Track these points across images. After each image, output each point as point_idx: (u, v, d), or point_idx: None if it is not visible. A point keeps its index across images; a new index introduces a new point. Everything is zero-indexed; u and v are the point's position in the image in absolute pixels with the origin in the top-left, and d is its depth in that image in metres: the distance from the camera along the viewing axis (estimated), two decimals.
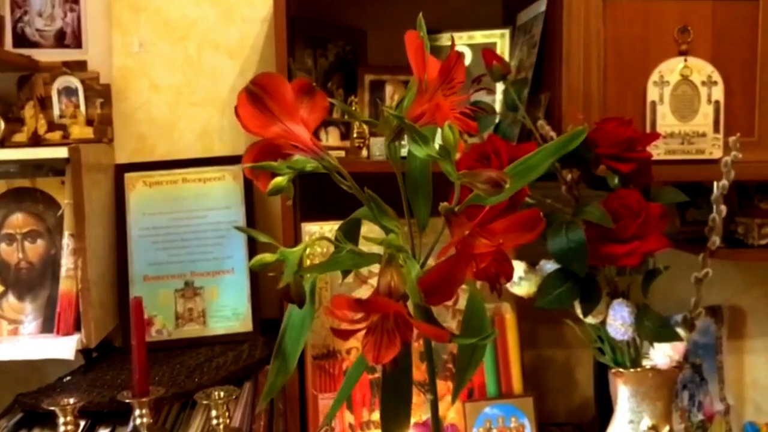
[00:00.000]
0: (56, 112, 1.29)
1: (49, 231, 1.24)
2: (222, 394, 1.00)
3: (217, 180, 1.35)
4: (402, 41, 0.61)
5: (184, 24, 1.41)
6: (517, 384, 1.26)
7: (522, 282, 1.05)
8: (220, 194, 1.35)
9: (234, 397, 1.01)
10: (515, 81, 1.14)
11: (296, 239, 1.16)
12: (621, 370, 1.03)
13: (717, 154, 1.13)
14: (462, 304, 0.65)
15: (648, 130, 1.13)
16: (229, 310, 1.33)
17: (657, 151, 1.11)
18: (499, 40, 1.26)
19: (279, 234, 1.16)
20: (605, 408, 1.33)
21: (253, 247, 1.32)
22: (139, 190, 1.35)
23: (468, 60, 1.25)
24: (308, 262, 1.11)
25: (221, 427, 0.99)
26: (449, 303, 1.15)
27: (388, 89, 1.19)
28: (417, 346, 1.08)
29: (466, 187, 0.58)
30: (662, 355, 1.01)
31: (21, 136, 1.26)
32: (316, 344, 1.20)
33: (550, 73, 1.17)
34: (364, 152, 1.22)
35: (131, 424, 1.00)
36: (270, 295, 1.36)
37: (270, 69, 1.26)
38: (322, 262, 0.63)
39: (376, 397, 1.20)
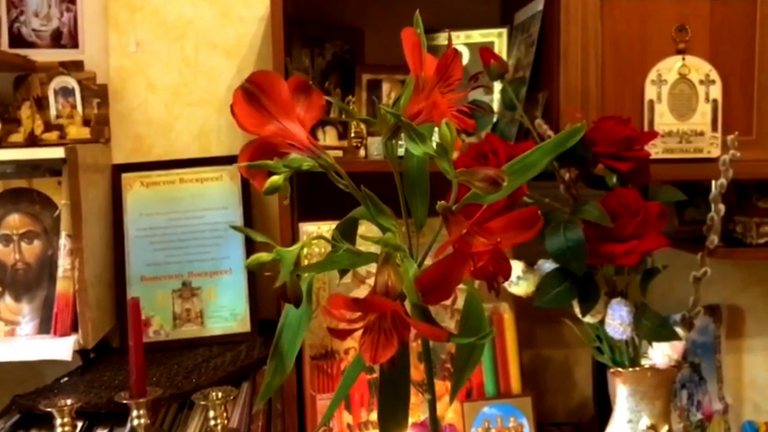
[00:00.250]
0: (53, 112, 1.29)
1: (46, 231, 1.24)
2: (220, 394, 1.00)
3: (214, 180, 1.35)
4: (400, 40, 0.61)
5: (180, 24, 1.41)
6: (515, 384, 1.26)
7: (520, 281, 1.04)
8: (217, 194, 1.35)
9: (232, 397, 1.01)
10: (513, 80, 1.14)
11: (294, 239, 1.16)
12: (620, 369, 1.02)
13: (715, 152, 1.13)
14: (460, 303, 0.64)
15: (646, 128, 1.13)
16: (226, 311, 1.33)
17: (655, 150, 1.11)
18: (497, 39, 1.26)
19: (276, 234, 1.16)
20: (604, 407, 1.32)
21: (251, 247, 1.32)
22: (136, 191, 1.34)
23: (466, 59, 1.24)
24: (306, 262, 1.11)
25: (219, 427, 0.99)
26: (447, 303, 1.15)
27: (385, 87, 1.19)
28: (415, 346, 1.08)
29: (463, 185, 0.57)
30: (661, 354, 1.01)
31: (17, 137, 1.25)
32: (314, 344, 1.20)
33: (547, 72, 1.17)
34: (362, 152, 1.22)
35: (129, 425, 1.00)
36: (268, 296, 1.35)
37: (267, 68, 1.25)
38: (318, 262, 0.63)
39: (375, 397, 1.20)
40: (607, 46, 1.12)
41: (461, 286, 0.61)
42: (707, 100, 1.14)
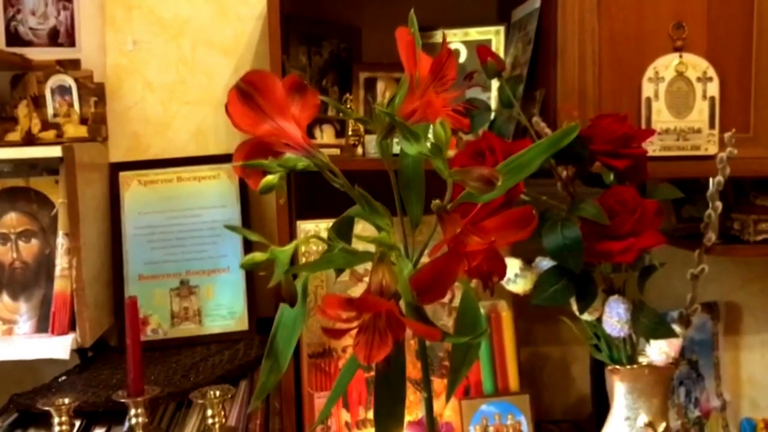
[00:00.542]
0: (50, 111, 1.29)
1: (44, 230, 1.24)
2: (218, 393, 1.00)
3: (212, 178, 1.35)
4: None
5: (177, 22, 1.40)
6: (513, 381, 1.26)
7: (518, 279, 1.04)
8: (215, 193, 1.35)
9: (230, 396, 1.01)
10: (510, 78, 1.14)
11: (291, 237, 1.16)
12: (617, 366, 1.02)
13: (712, 150, 1.13)
14: (458, 301, 0.64)
15: (643, 126, 1.13)
16: (224, 309, 1.33)
17: (652, 147, 1.10)
18: (494, 37, 1.26)
19: (274, 232, 1.16)
20: (602, 405, 1.32)
21: (249, 246, 1.32)
22: (133, 189, 1.34)
23: (463, 57, 1.24)
24: (304, 260, 1.11)
25: (217, 426, 0.99)
26: (445, 300, 1.15)
27: (380, 86, 1.18)
28: (412, 344, 1.08)
29: (458, 184, 0.57)
30: (658, 351, 1.01)
31: (14, 135, 1.25)
32: (311, 343, 1.20)
33: (545, 69, 1.17)
34: (360, 150, 1.22)
35: (127, 424, 1.00)
36: (266, 294, 1.35)
37: (264, 67, 1.25)
38: (313, 261, 0.63)
39: (372, 395, 1.20)
40: (604, 44, 1.12)
41: (458, 284, 0.61)
42: (704, 97, 1.13)
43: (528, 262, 1.05)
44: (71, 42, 1.36)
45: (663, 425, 1.02)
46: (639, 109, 1.13)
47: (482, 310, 0.65)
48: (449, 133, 0.53)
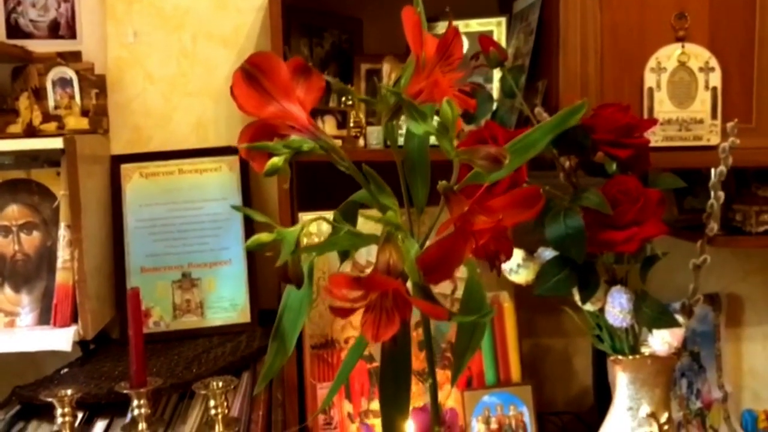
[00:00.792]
0: (51, 103, 1.29)
1: (45, 222, 1.24)
2: (220, 384, 0.99)
3: (213, 171, 1.35)
4: (398, 30, 0.60)
5: (178, 14, 1.40)
6: (515, 372, 1.26)
7: (520, 270, 1.04)
8: (216, 185, 1.35)
9: (232, 387, 1.01)
10: (512, 68, 1.14)
11: None
12: (619, 357, 1.02)
13: (714, 140, 1.13)
14: (460, 293, 0.65)
15: (645, 116, 1.13)
16: (226, 301, 1.33)
17: (655, 137, 1.10)
18: (496, 27, 1.26)
19: (276, 224, 1.16)
20: (604, 396, 1.32)
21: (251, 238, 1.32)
22: (135, 181, 1.34)
23: (465, 48, 1.24)
24: None
25: (220, 417, 0.99)
26: (448, 292, 1.15)
27: (386, 68, 1.18)
28: (416, 335, 1.08)
29: (464, 167, 0.57)
30: (661, 341, 1.01)
31: (16, 128, 1.25)
32: (314, 334, 1.20)
33: (547, 60, 1.17)
34: (361, 141, 1.22)
35: (129, 415, 1.00)
36: (268, 286, 1.35)
37: None
38: (319, 243, 0.63)
39: (375, 386, 1.20)
40: (606, 34, 1.12)
41: (461, 274, 0.61)
42: (707, 87, 1.13)
43: (530, 252, 1.05)
44: (72, 34, 1.36)
45: (665, 416, 1.02)
46: (641, 100, 1.13)
47: None
48: (456, 112, 0.53)
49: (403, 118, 0.58)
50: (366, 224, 0.62)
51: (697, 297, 1.03)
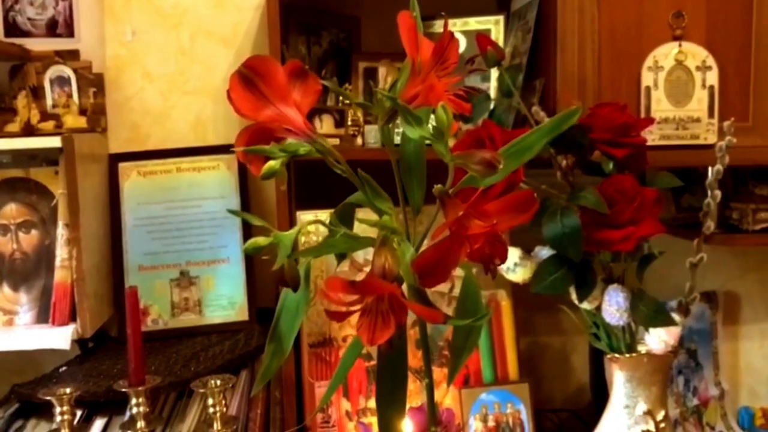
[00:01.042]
0: (49, 101, 1.28)
1: (44, 221, 1.24)
2: (218, 382, 1.00)
3: (211, 169, 1.35)
4: (396, 28, 0.60)
5: (176, 12, 1.40)
6: (513, 370, 1.26)
7: (517, 268, 1.04)
8: (214, 183, 1.35)
9: (230, 385, 1.01)
10: (510, 67, 1.14)
11: (291, 227, 1.15)
12: (616, 355, 1.03)
13: (711, 139, 1.13)
14: (457, 291, 0.65)
15: (642, 115, 1.13)
16: (224, 300, 1.33)
17: (652, 136, 1.11)
18: (494, 26, 1.26)
19: (274, 223, 1.16)
20: (601, 394, 1.33)
21: (249, 236, 1.30)
22: (133, 180, 1.34)
23: (463, 47, 1.24)
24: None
25: (218, 415, 0.99)
26: (445, 290, 1.15)
27: (382, 71, 1.18)
28: (413, 333, 1.08)
29: (460, 170, 0.57)
30: (657, 340, 1.01)
31: (14, 126, 1.25)
32: (312, 332, 1.20)
33: (544, 58, 1.17)
34: (359, 140, 1.22)
35: (128, 414, 1.00)
36: (266, 285, 1.35)
37: None
38: (315, 246, 0.63)
39: (373, 384, 1.20)
40: (603, 33, 1.12)
41: (458, 273, 0.62)
42: (704, 86, 1.14)
43: (527, 251, 1.05)
44: (70, 32, 1.35)
45: (662, 413, 1.02)
46: (638, 98, 1.13)
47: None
48: (451, 116, 0.54)
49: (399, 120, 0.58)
50: (363, 225, 0.62)
51: (693, 295, 1.03)
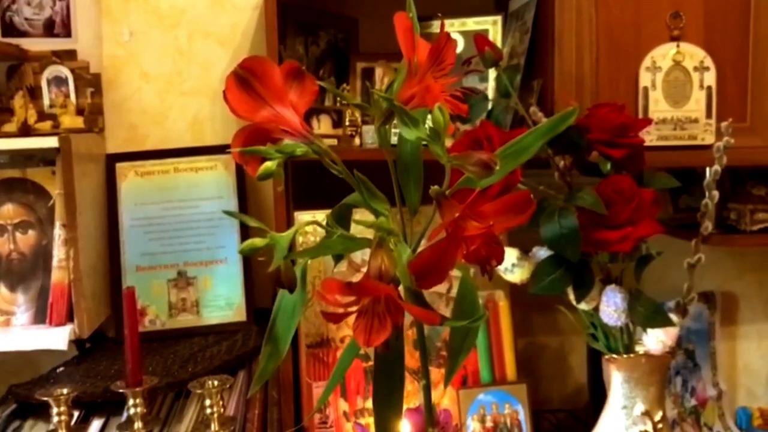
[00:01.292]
0: (46, 101, 1.28)
1: (41, 221, 1.24)
2: (216, 383, 1.00)
3: (209, 169, 1.35)
4: (394, 28, 0.60)
5: (174, 12, 1.40)
6: (510, 371, 1.26)
7: (515, 269, 1.04)
8: (212, 184, 1.35)
9: (228, 386, 1.01)
10: (507, 67, 1.14)
11: (289, 228, 1.15)
12: (614, 356, 1.03)
13: (709, 139, 1.13)
14: (455, 292, 0.65)
15: (640, 115, 1.13)
16: (222, 300, 1.33)
17: (649, 137, 1.11)
18: (491, 26, 1.26)
19: (271, 223, 1.16)
20: (599, 394, 1.33)
21: (246, 237, 1.32)
22: (130, 180, 1.34)
23: (460, 47, 1.24)
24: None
25: (215, 416, 0.99)
26: (443, 291, 1.15)
27: (378, 72, 1.18)
28: (410, 333, 1.08)
29: (456, 171, 0.57)
30: (655, 340, 1.01)
31: (10, 126, 1.25)
32: (309, 333, 1.20)
33: (542, 59, 1.17)
34: (357, 140, 1.22)
35: (125, 414, 1.00)
36: (263, 285, 1.35)
37: None
38: (312, 247, 0.63)
39: (370, 384, 1.20)
40: (601, 33, 1.12)
41: (456, 273, 0.62)
42: (701, 87, 1.14)
43: (525, 251, 1.05)
44: (67, 32, 1.35)
45: (659, 414, 1.02)
46: (636, 99, 1.13)
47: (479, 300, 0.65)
48: (447, 118, 0.53)
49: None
50: (360, 225, 0.62)
51: (691, 296, 1.03)
